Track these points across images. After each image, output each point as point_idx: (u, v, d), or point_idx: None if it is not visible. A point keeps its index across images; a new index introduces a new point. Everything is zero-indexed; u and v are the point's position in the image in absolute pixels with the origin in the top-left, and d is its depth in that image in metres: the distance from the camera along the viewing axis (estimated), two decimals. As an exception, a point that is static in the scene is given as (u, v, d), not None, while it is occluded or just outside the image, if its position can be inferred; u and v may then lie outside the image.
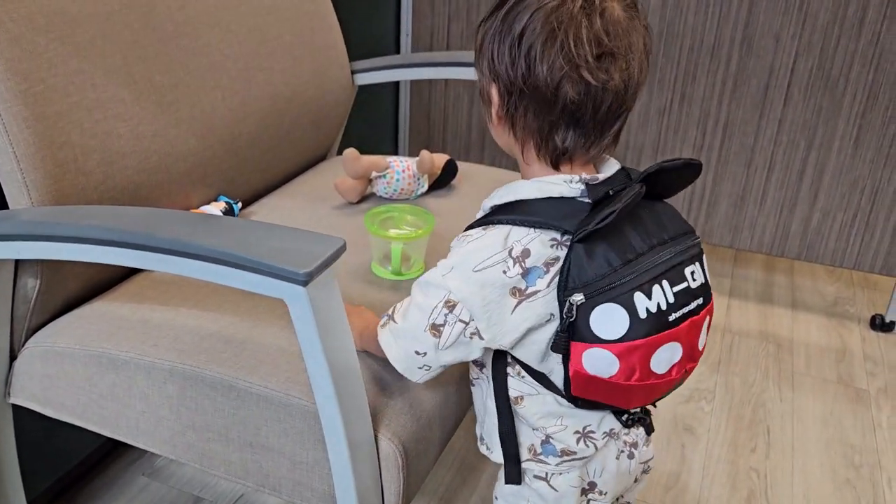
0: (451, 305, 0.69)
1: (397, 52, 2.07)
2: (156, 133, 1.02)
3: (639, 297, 0.66)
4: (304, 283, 0.64)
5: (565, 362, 0.70)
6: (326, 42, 1.42)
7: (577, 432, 0.77)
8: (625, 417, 0.78)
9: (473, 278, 0.68)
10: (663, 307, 0.67)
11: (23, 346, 0.93)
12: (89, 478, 1.29)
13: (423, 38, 1.97)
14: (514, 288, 0.68)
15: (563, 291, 0.67)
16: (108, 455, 1.34)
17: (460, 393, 0.89)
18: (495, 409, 0.78)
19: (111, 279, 1.01)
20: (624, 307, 0.66)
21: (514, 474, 0.79)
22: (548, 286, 0.68)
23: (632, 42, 0.68)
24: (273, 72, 1.26)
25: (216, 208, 1.11)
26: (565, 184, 0.70)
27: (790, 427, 1.48)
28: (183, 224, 0.73)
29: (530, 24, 0.66)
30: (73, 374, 0.89)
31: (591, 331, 0.67)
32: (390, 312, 0.76)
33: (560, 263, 0.68)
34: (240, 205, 1.16)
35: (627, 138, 1.83)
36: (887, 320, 1.80)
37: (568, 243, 0.67)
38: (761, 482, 1.34)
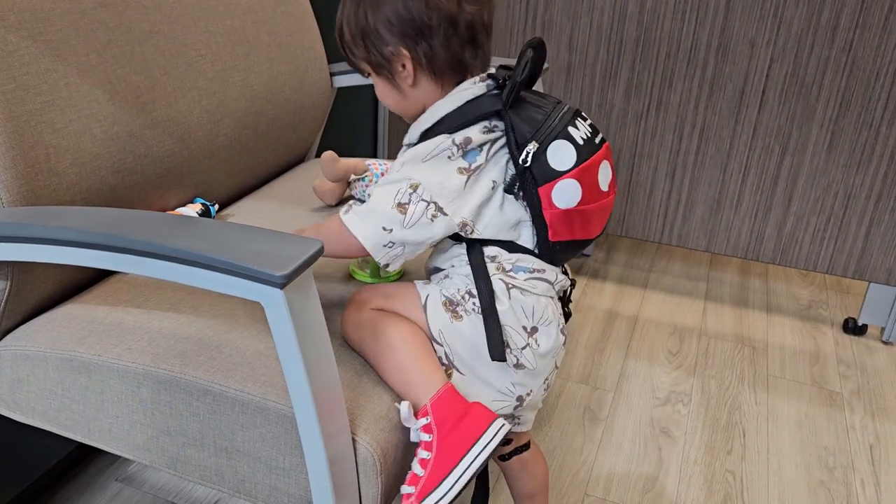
0: (414, 186, 0.82)
1: (376, 54, 2.06)
2: (131, 134, 1.01)
3: (572, 130, 0.84)
4: (282, 286, 0.63)
5: (538, 212, 0.83)
6: (305, 43, 1.41)
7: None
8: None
9: (425, 164, 0.83)
10: (588, 135, 0.85)
11: (-8, 349, 0.91)
12: (61, 484, 1.27)
13: (402, 40, 1.97)
14: (460, 168, 0.83)
15: (517, 149, 0.82)
16: (80, 460, 1.32)
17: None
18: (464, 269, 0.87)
19: (84, 281, 0.99)
20: (567, 140, 0.83)
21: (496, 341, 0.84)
22: (486, 160, 0.84)
23: None
24: (251, 73, 1.25)
25: (192, 210, 1.10)
26: (473, 86, 0.86)
27: (765, 429, 1.49)
28: (157, 226, 0.72)
29: None
30: (45, 378, 0.87)
31: (552, 167, 0.82)
32: (347, 207, 0.85)
33: (492, 142, 0.84)
34: (216, 207, 1.15)
35: (605, 142, 1.84)
36: (860, 324, 1.83)
37: (496, 127, 0.84)
38: (737, 484, 1.35)
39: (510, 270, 0.85)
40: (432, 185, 0.82)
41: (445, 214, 0.82)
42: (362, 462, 0.76)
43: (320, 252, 0.66)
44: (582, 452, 1.40)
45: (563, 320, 0.91)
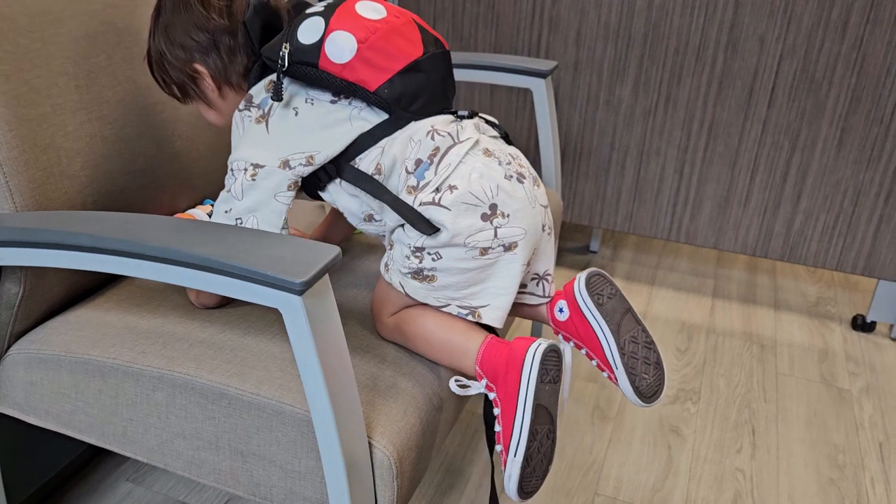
0: (231, 169, 0.86)
1: (382, 51, 2.05)
2: (141, 135, 1.00)
3: (311, 10, 0.86)
4: (300, 293, 0.63)
5: (342, 81, 0.83)
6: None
7: (427, 132, 0.85)
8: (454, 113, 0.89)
9: (239, 143, 0.87)
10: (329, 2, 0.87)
11: (5, 352, 0.91)
12: (72, 484, 1.27)
13: (408, 37, 1.96)
14: (257, 118, 0.86)
15: (279, 62, 0.84)
16: (90, 461, 1.32)
17: (453, 399, 0.89)
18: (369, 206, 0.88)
19: (96, 284, 0.99)
20: (307, 18, 0.85)
21: (421, 221, 0.83)
22: (282, 97, 0.85)
23: None
24: (260, 72, 1.24)
25: (203, 211, 1.10)
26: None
27: (774, 427, 1.49)
28: (174, 231, 0.71)
29: None
30: (59, 381, 0.87)
31: (309, 43, 0.83)
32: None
33: (277, 81, 0.84)
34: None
35: (613, 139, 1.83)
36: (868, 321, 1.83)
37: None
38: (747, 483, 1.35)
39: (415, 186, 0.83)
40: (243, 153, 0.85)
41: (262, 166, 0.84)
42: (378, 465, 0.76)
43: (338, 258, 0.66)
44: (591, 451, 1.40)
45: (505, 159, 0.87)
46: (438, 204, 0.82)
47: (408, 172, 0.84)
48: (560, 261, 2.12)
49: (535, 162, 1.92)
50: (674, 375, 1.64)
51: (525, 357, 0.80)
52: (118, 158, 0.97)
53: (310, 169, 0.85)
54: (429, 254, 0.84)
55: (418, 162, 0.84)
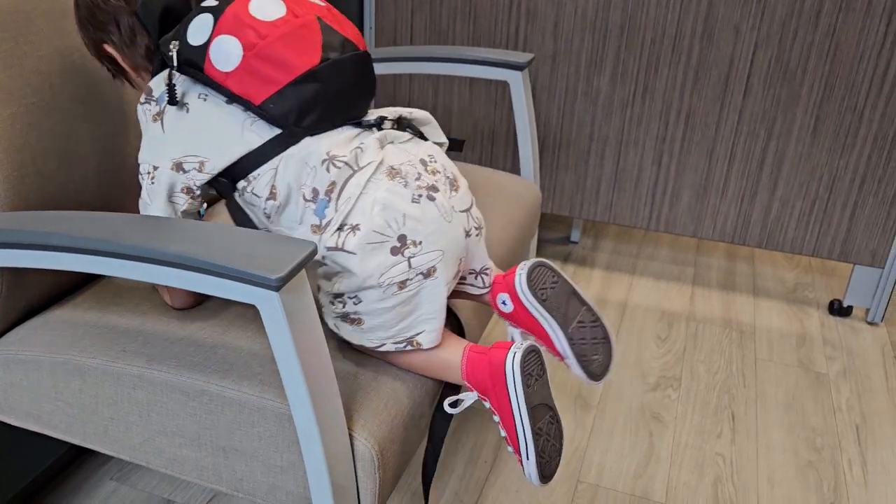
0: (141, 175, 0.84)
1: (361, 45, 2.05)
2: (116, 132, 1.00)
3: (207, 4, 0.80)
4: (277, 288, 0.63)
5: (229, 93, 0.78)
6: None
7: (323, 160, 0.79)
8: (363, 123, 0.84)
9: (144, 138, 0.83)
10: None
11: (-16, 354, 0.91)
12: (56, 483, 1.27)
13: (386, 31, 1.96)
14: (154, 115, 0.82)
15: (170, 58, 0.79)
16: (74, 460, 1.31)
17: (435, 391, 0.89)
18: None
19: (75, 284, 0.99)
20: (198, 14, 0.79)
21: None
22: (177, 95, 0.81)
23: None
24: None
25: (181, 208, 1.09)
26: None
27: (754, 412, 1.51)
28: (150, 230, 0.71)
29: None
30: (38, 382, 0.87)
31: (197, 45, 0.78)
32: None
33: (172, 77, 0.80)
34: (205, 205, 1.14)
35: (592, 130, 1.84)
36: (845, 305, 1.85)
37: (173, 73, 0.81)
38: (727, 467, 1.37)
39: (318, 225, 0.80)
40: (143, 155, 0.83)
41: (156, 167, 0.81)
42: (360, 458, 0.77)
43: (314, 253, 0.66)
44: (574, 440, 1.42)
45: (413, 174, 0.81)
46: (342, 249, 0.78)
47: (306, 200, 0.80)
48: (541, 252, 2.13)
49: (514, 153, 1.93)
50: (654, 363, 1.66)
51: (505, 370, 0.81)
52: (94, 156, 0.97)
53: (202, 177, 0.81)
54: (349, 298, 0.81)
55: (315, 192, 0.80)
